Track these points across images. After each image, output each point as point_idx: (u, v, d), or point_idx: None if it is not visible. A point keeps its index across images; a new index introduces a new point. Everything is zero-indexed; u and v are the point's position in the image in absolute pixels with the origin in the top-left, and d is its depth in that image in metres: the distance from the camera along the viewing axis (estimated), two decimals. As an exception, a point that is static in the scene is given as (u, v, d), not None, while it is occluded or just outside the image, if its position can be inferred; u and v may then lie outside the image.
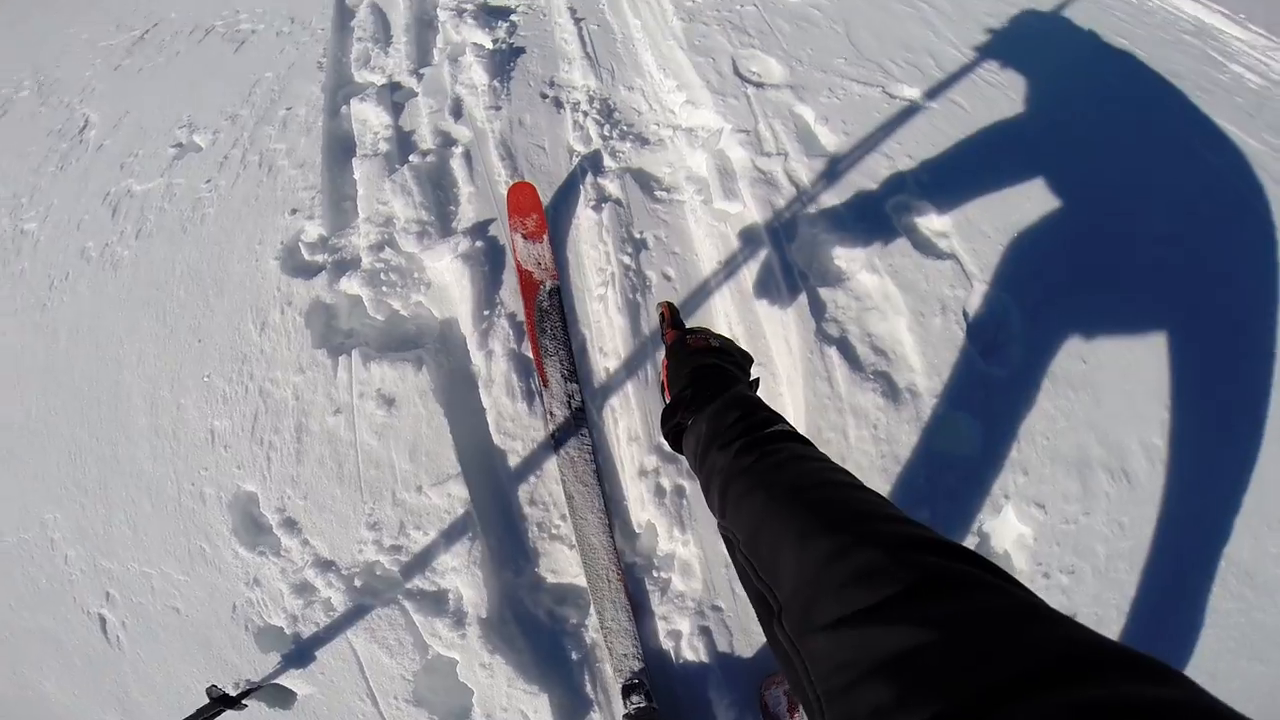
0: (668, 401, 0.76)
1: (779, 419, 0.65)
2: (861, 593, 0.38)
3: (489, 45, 1.70)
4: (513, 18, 1.84)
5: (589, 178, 1.38)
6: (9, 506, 1.35)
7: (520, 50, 1.70)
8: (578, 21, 1.77)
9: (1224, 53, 2.04)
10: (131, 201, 1.72)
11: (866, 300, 1.19)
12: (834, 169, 1.38)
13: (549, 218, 1.30)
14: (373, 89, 1.66)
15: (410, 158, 1.45)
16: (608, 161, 1.40)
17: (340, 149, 1.57)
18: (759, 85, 1.55)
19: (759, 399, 0.71)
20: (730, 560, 0.59)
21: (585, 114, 1.49)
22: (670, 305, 0.93)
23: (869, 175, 1.37)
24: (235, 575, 1.13)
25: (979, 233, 1.31)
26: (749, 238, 1.28)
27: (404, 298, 1.30)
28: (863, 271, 1.22)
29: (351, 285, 1.34)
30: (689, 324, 0.93)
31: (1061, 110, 1.58)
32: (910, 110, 1.50)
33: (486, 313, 1.26)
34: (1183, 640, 1.00)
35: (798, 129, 1.45)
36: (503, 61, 1.66)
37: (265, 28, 2.18)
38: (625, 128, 1.47)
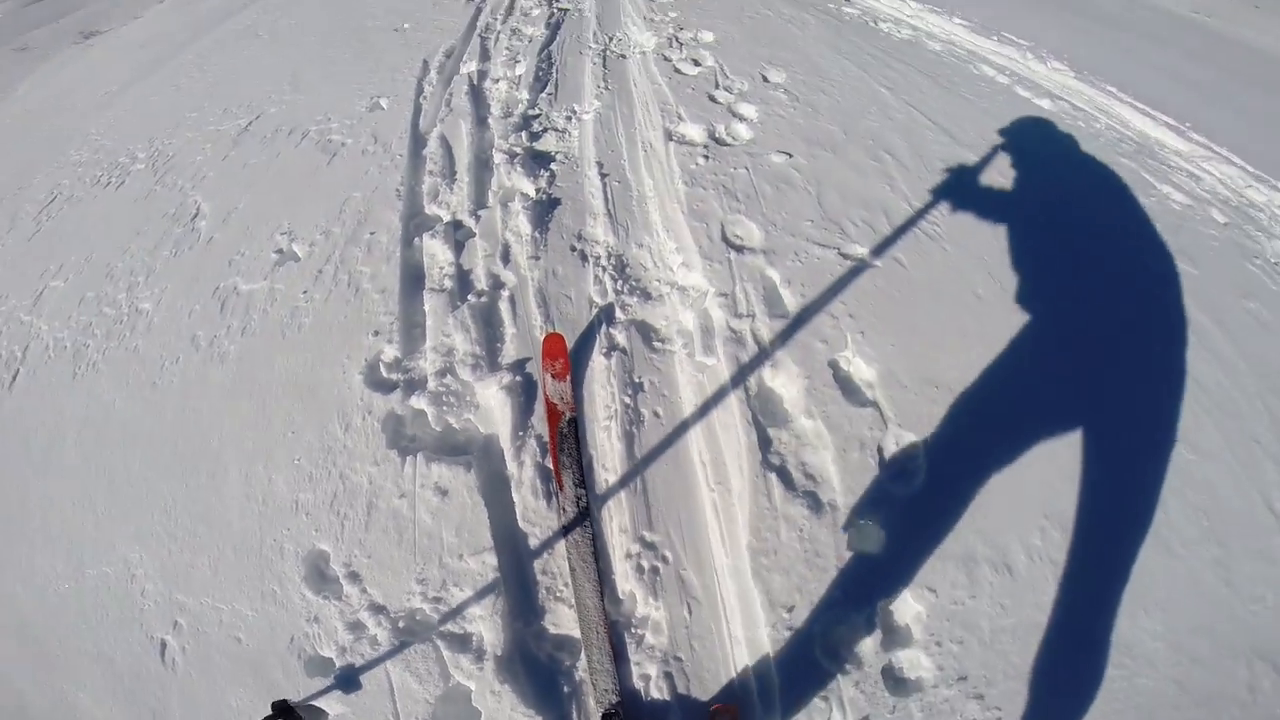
0: None
1: None
2: None
3: (532, 194, 2.17)
4: (552, 166, 2.31)
5: (604, 327, 1.82)
6: (99, 546, 1.68)
7: (557, 202, 2.16)
8: (603, 176, 2.23)
9: (1157, 172, 2.56)
10: (238, 299, 2.15)
11: (803, 438, 1.60)
12: (791, 328, 1.80)
13: (572, 360, 1.74)
14: (440, 225, 2.12)
15: (469, 297, 1.89)
16: (618, 314, 1.84)
17: (413, 279, 2.03)
18: (740, 250, 1.99)
19: None
20: None
21: (604, 268, 1.94)
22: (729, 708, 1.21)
23: (816, 333, 1.78)
24: (298, 613, 1.44)
25: (898, 384, 1.70)
26: (720, 386, 1.70)
27: (458, 415, 1.74)
28: (802, 416, 1.63)
29: (419, 403, 1.76)
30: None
31: (987, 256, 2.04)
32: (858, 269, 1.94)
33: (520, 433, 1.67)
34: (1075, 700, 1.30)
35: (766, 291, 1.88)
36: (542, 212, 2.12)
37: (353, 143, 2.65)
38: (634, 282, 1.92)
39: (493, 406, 1.73)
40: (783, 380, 1.71)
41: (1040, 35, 3.95)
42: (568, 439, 1.62)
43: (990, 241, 2.04)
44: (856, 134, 2.52)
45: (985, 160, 2.40)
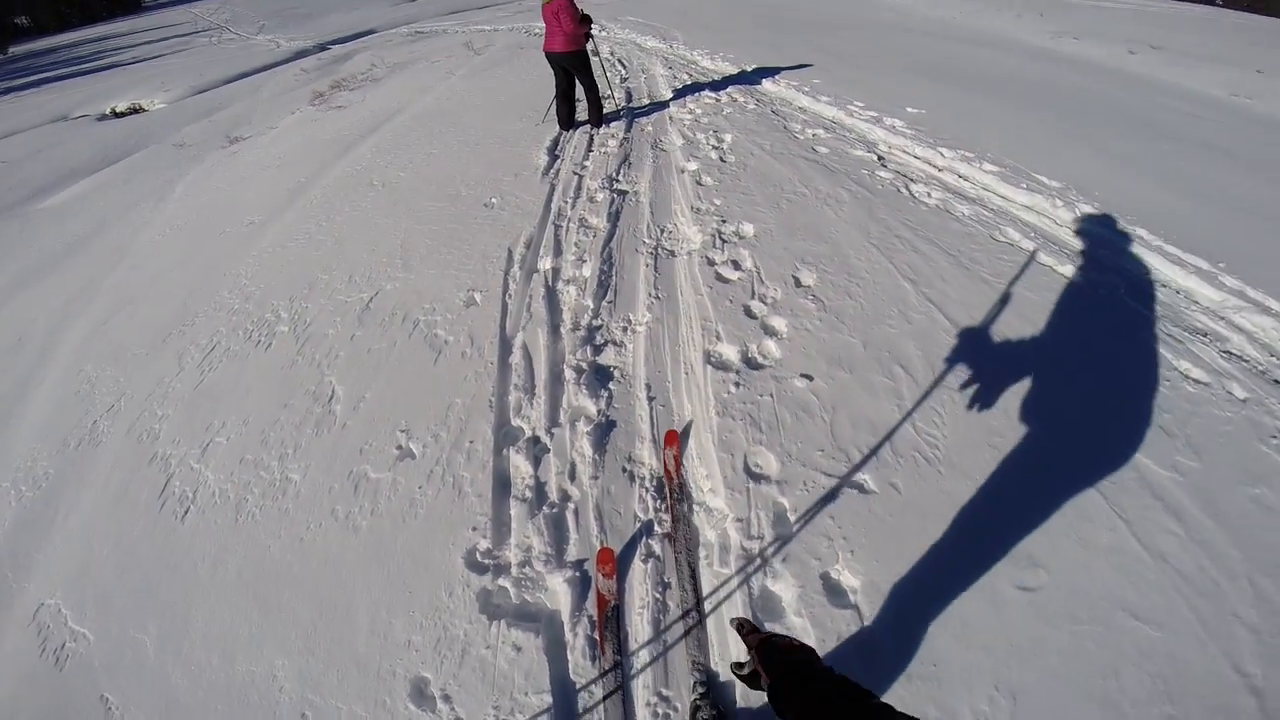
0: (771, 684, 1.07)
1: (871, 693, 0.95)
2: None
3: (594, 415, 2.90)
4: (611, 385, 3.05)
5: (643, 539, 2.48)
6: (250, 649, 2.25)
7: (613, 424, 2.89)
8: (650, 400, 2.95)
9: (1178, 342, 2.90)
10: (368, 484, 2.91)
11: (793, 630, 2.09)
12: (793, 547, 2.34)
13: (618, 564, 2.42)
14: (523, 439, 2.86)
15: (543, 508, 2.60)
16: (655, 527, 2.52)
17: (501, 485, 2.75)
18: (758, 479, 2.60)
19: (849, 679, 1.01)
20: None
21: (647, 489, 2.62)
22: (745, 620, 1.29)
23: (814, 551, 2.29)
24: (401, 717, 1.97)
25: (878, 591, 2.06)
26: (729, 590, 2.28)
27: (532, 594, 2.37)
28: (793, 615, 2.15)
29: (504, 583, 2.44)
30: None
31: (978, 475, 2.39)
32: (858, 494, 2.42)
33: (576, 613, 2.29)
34: None
35: (775, 516, 2.45)
36: (601, 435, 2.84)
37: (453, 341, 3.45)
38: (669, 502, 2.60)
39: (558, 591, 2.36)
40: (781, 586, 2.22)
41: (1073, 170, 4.35)
42: (611, 621, 2.27)
43: (983, 460, 2.44)
44: (875, 345, 3.04)
45: (993, 365, 2.84)
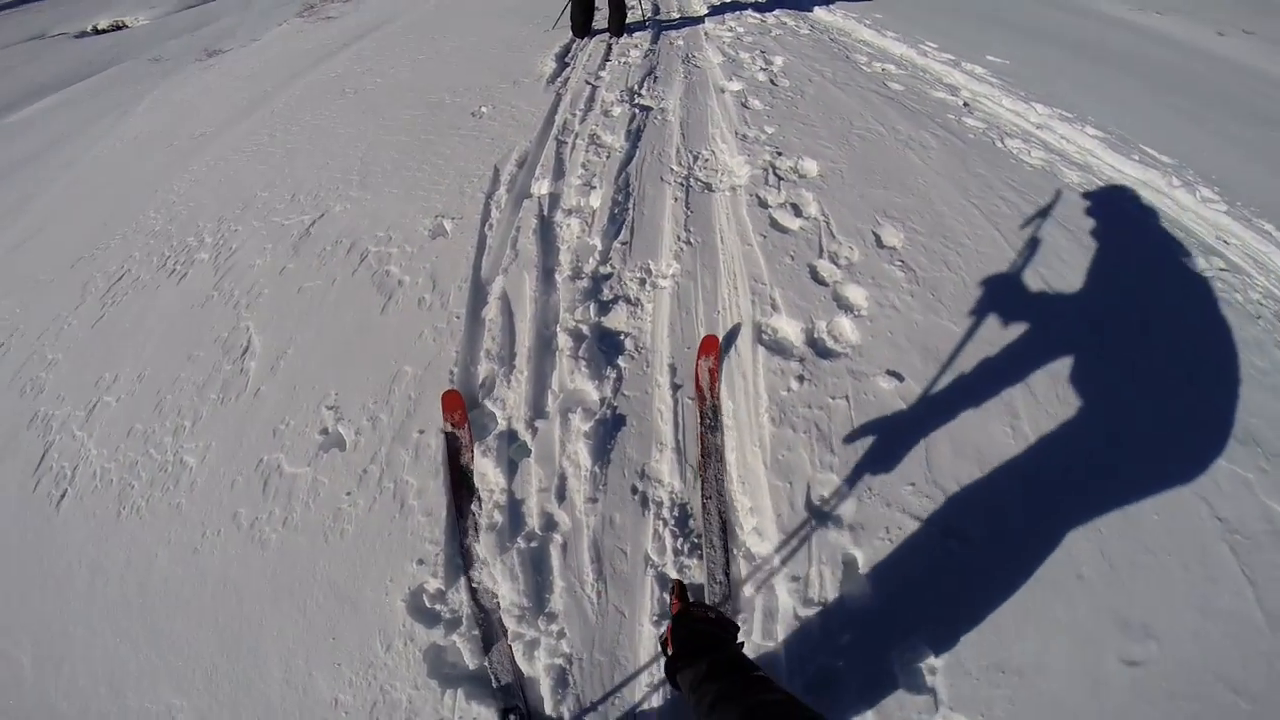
0: (670, 654, 1.16)
1: (758, 668, 1.06)
2: None
3: (596, 405, 2.07)
4: (621, 361, 2.22)
5: (656, 592, 1.78)
6: (141, 683, 1.81)
7: (622, 421, 2.08)
8: (675, 389, 2.12)
9: None
10: (281, 482, 2.16)
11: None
12: (863, 619, 1.70)
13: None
14: (493, 434, 2.03)
15: (518, 540, 1.83)
16: (675, 576, 1.77)
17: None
18: (824, 520, 1.87)
19: (744, 655, 1.13)
20: None
21: (665, 522, 1.89)
22: (681, 583, 1.36)
23: (889, 623, 1.69)
24: None
25: (962, 671, 1.61)
26: (774, 669, 1.63)
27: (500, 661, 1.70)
28: (852, 698, 1.57)
29: (460, 642, 1.75)
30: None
31: (1105, 528, 1.87)
32: (954, 551, 1.80)
33: (559, 690, 1.66)
34: None
35: (844, 575, 1.79)
36: (605, 436, 2.05)
37: (409, 282, 2.62)
38: (694, 541, 1.82)
39: (537, 659, 1.73)
40: (843, 666, 1.65)
41: (1186, 149, 3.70)
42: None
43: (1113, 502, 1.89)
44: (984, 340, 2.32)
45: (1127, 381, 2.21)
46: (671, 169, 3.42)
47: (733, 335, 2.39)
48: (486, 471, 2.04)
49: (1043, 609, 1.73)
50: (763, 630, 1.72)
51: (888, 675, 1.61)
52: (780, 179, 3.28)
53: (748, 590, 1.80)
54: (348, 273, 2.82)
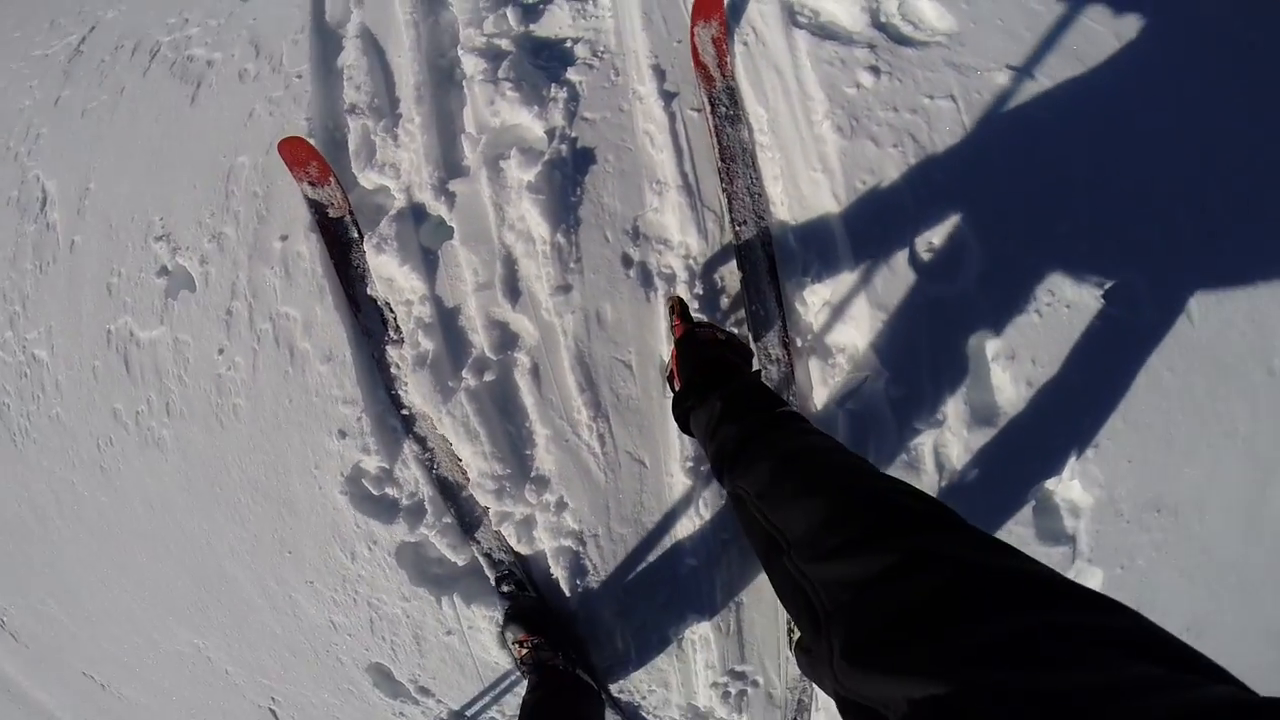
0: (678, 389, 0.96)
1: (783, 402, 0.88)
2: (857, 528, 0.56)
3: (541, 144, 1.28)
4: (570, 74, 1.35)
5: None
6: (159, 630, 1.69)
7: (587, 157, 1.28)
8: (667, 99, 1.26)
9: None
10: (141, 354, 1.63)
11: None
12: (994, 437, 1.19)
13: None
14: (390, 214, 1.30)
15: (465, 376, 1.18)
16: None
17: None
18: (939, 283, 1.20)
19: (765, 385, 0.93)
20: (737, 516, 0.77)
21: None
22: (680, 300, 1.10)
23: (1032, 442, 1.20)
24: (385, 708, 1.47)
25: (1114, 513, 1.22)
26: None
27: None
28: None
29: (431, 536, 1.24)
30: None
31: None
32: (1120, 325, 1.21)
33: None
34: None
35: (972, 377, 1.17)
36: (565, 186, 1.25)
37: (222, 59, 1.78)
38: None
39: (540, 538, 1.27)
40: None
41: None
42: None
43: None
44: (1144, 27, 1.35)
45: None
46: None
47: (748, 14, 1.38)
48: (393, 274, 1.33)
49: (1224, 418, 1.24)
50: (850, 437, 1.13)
51: (1019, 520, 1.22)
52: None
53: (821, 397, 1.20)
54: (137, 76, 1.93)
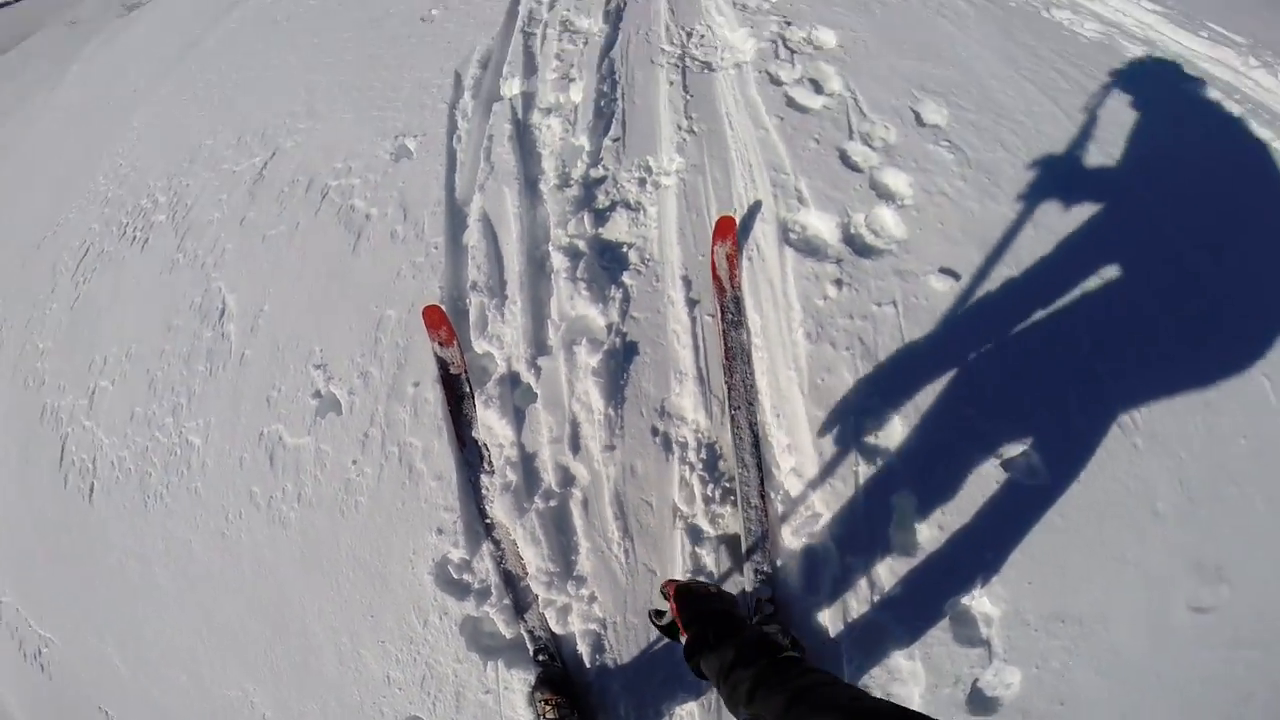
0: (688, 639, 1.12)
1: (784, 648, 1.04)
2: None
3: (602, 333, 1.92)
4: (625, 277, 2.07)
5: (688, 547, 1.72)
6: (214, 671, 1.95)
7: (634, 349, 1.95)
8: (691, 306, 1.93)
9: None
10: (285, 454, 2.18)
11: (895, 673, 1.52)
12: (915, 567, 1.61)
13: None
14: (494, 378, 1.94)
15: (536, 500, 1.77)
16: (706, 529, 1.74)
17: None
18: (872, 454, 1.73)
19: (766, 633, 1.12)
20: None
21: (691, 466, 1.80)
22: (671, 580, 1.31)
23: (946, 569, 1.59)
24: None
25: (1021, 622, 1.54)
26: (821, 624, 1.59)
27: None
28: (901, 657, 1.52)
29: (491, 613, 1.75)
30: None
31: (1185, 453, 1.71)
32: (1019, 485, 1.67)
33: (596, 656, 1.68)
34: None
35: (898, 519, 1.67)
36: (616, 370, 1.92)
37: (378, 215, 2.49)
38: (727, 485, 1.76)
39: (572, 626, 1.73)
40: (894, 622, 1.58)
41: (1257, 27, 3.18)
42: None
43: (1192, 434, 1.72)
44: (1051, 229, 2.06)
45: (1214, 284, 1.95)
46: (662, 49, 3.05)
47: (754, 233, 2.11)
48: (493, 424, 1.94)
49: (1112, 548, 1.61)
50: (805, 579, 1.65)
51: (939, 627, 1.54)
52: (793, 52, 2.92)
53: (787, 535, 1.71)
54: (310, 214, 2.64)
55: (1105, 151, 2.31)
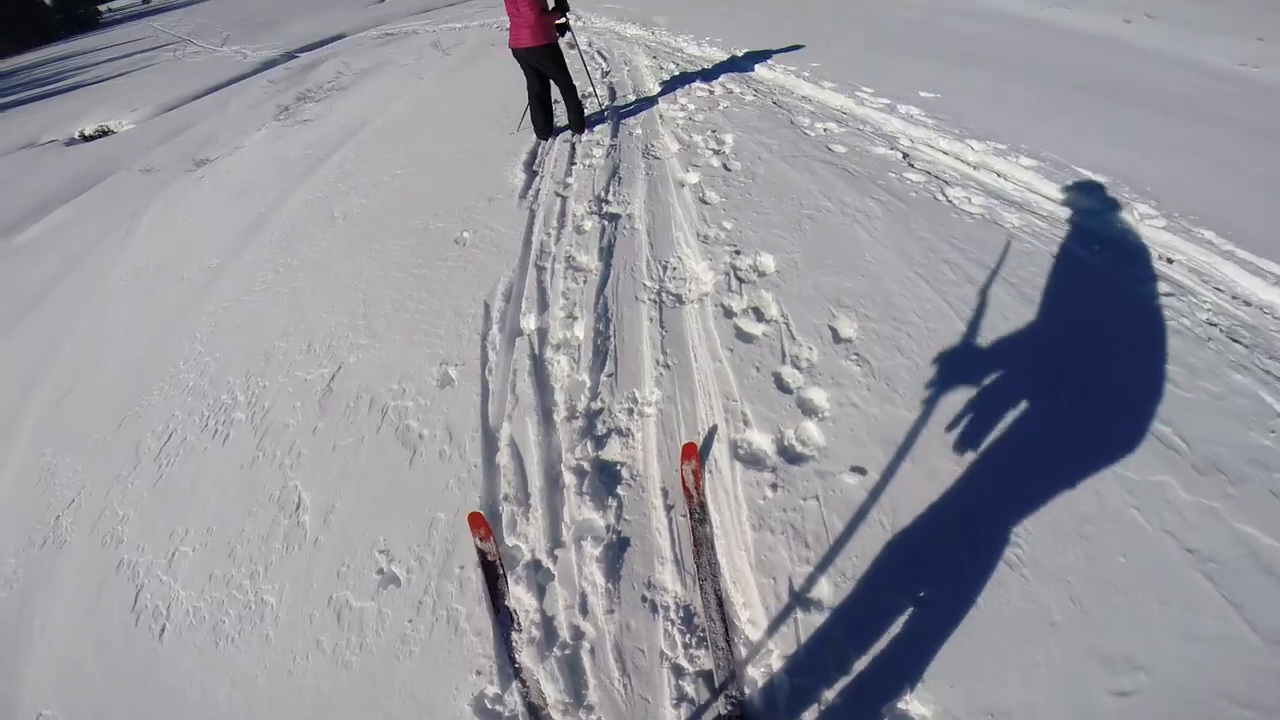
0: None
1: None
2: None
3: (603, 533, 2.77)
4: (620, 490, 2.91)
5: (673, 681, 2.40)
6: None
7: (626, 542, 2.78)
8: (668, 509, 2.82)
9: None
10: (352, 614, 2.78)
11: None
12: (852, 682, 2.16)
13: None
14: (521, 564, 2.71)
15: (554, 649, 2.49)
16: (686, 667, 2.45)
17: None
18: (808, 605, 2.45)
19: None
20: None
21: (672, 622, 2.55)
22: None
23: (877, 684, 2.07)
24: None
25: (952, 718, 1.93)
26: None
27: None
28: None
29: None
30: None
31: (1071, 575, 2.18)
32: (929, 613, 2.19)
33: None
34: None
35: (833, 652, 2.29)
36: (614, 558, 2.75)
37: (429, 436, 3.26)
38: (700, 635, 2.51)
39: None
40: None
41: (1117, 161, 4.12)
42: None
43: (1074, 557, 2.25)
44: (940, 418, 2.79)
45: (1083, 432, 2.59)
46: (644, 284, 4.00)
47: (713, 451, 3.07)
48: (521, 596, 2.71)
49: (1020, 655, 2.01)
50: (765, 703, 2.31)
51: None
52: (741, 280, 3.82)
53: (750, 671, 2.40)
54: (373, 430, 3.47)
55: (985, 336, 3.03)
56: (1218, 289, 3.28)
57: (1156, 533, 2.26)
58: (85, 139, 13.89)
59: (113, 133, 13.75)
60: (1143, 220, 3.68)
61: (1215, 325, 3.06)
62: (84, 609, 3.22)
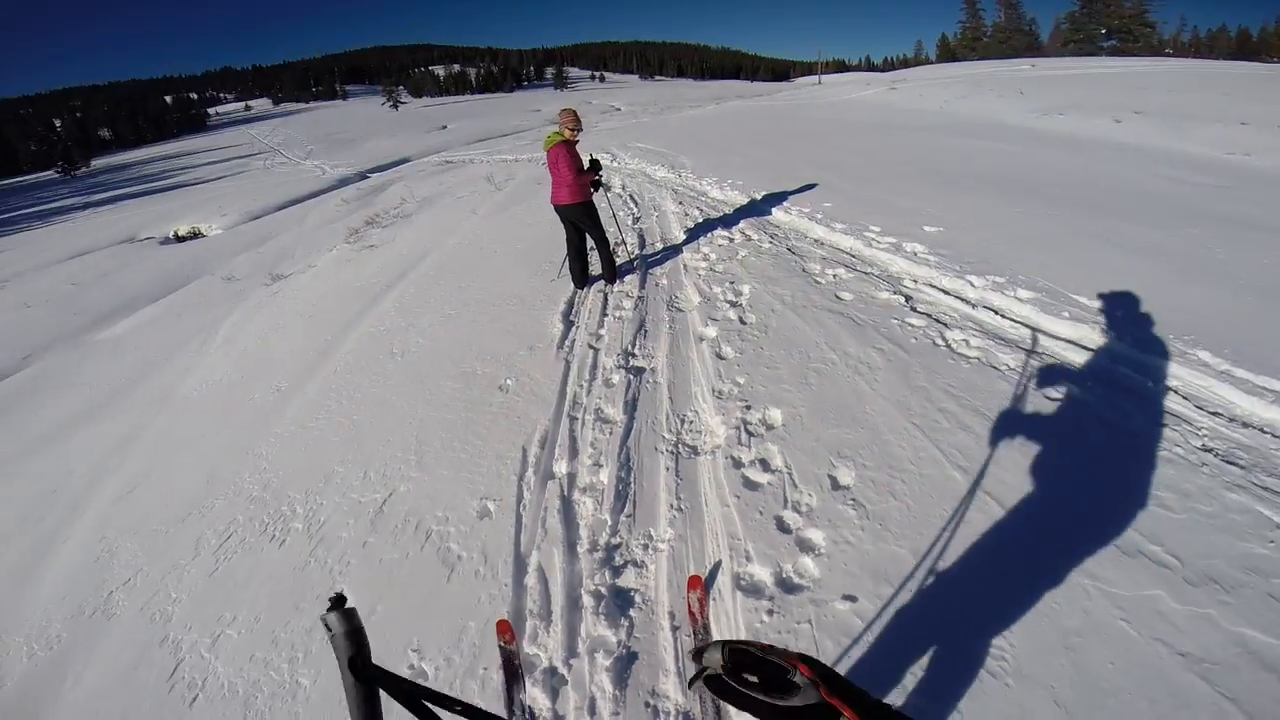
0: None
1: None
2: None
3: (615, 648, 3.16)
4: (632, 612, 3.34)
5: None
6: None
7: (635, 656, 3.17)
8: (674, 630, 3.25)
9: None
10: (384, 704, 3.06)
11: None
12: None
13: None
14: (540, 669, 3.09)
15: None
16: None
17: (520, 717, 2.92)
18: None
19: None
20: None
21: None
22: None
23: None
24: None
25: None
26: None
27: None
28: None
29: None
30: None
31: (1055, 683, 2.35)
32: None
33: None
34: None
35: None
36: (623, 669, 3.14)
37: (466, 558, 3.77)
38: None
39: None
40: None
41: (1112, 283, 4.41)
42: None
43: (1058, 665, 2.41)
44: (930, 550, 3.05)
45: (1066, 567, 2.77)
46: (664, 437, 4.45)
47: (717, 582, 3.54)
48: (537, 697, 3.08)
49: None
50: None
51: None
52: (750, 434, 4.21)
53: None
54: (417, 549, 4.00)
55: (974, 480, 3.30)
56: (1214, 413, 3.40)
57: (1147, 640, 2.39)
58: (179, 239, 15.72)
59: (203, 235, 15.61)
60: (1134, 348, 3.90)
61: (1210, 450, 3.25)
62: (120, 674, 3.58)
